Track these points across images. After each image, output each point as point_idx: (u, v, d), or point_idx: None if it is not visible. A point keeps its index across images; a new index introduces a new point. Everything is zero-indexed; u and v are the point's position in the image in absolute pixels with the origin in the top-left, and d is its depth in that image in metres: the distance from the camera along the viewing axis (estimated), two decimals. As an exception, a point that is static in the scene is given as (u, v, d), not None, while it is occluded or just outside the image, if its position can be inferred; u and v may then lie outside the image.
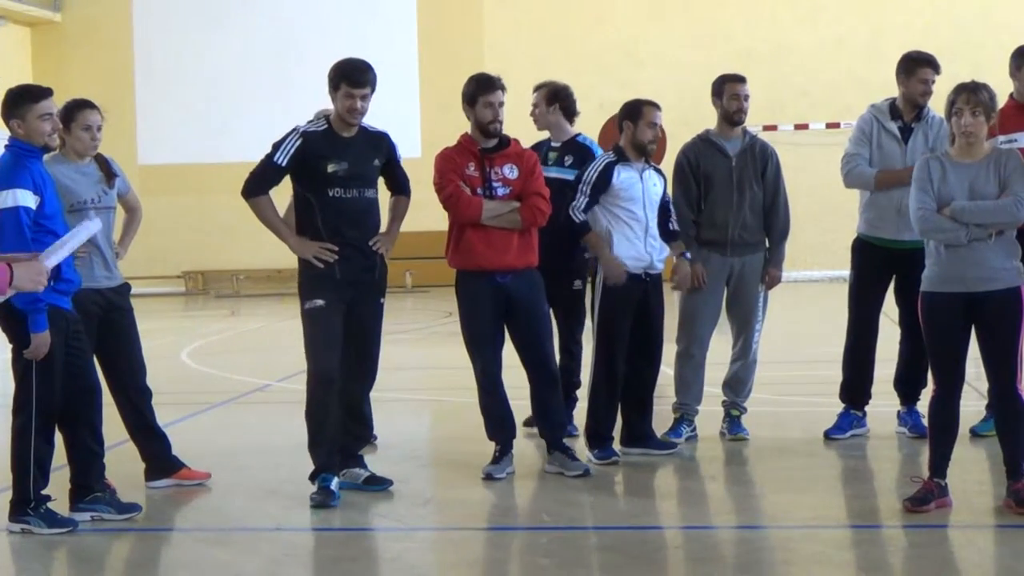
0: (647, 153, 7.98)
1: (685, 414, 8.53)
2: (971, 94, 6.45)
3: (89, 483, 6.85)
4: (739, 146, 8.44)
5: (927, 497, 6.51)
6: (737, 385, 8.57)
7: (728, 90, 8.43)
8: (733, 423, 8.57)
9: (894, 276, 8.23)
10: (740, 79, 8.48)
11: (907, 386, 8.33)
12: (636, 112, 7.99)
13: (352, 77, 7.09)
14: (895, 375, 8.37)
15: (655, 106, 8.03)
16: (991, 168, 6.48)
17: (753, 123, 22.25)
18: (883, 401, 8.46)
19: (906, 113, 8.17)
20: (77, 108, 7.22)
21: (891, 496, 7.07)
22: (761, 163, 8.42)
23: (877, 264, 8.19)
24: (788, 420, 9.28)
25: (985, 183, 6.46)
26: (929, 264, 6.58)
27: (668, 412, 8.61)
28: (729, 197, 8.35)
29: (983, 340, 6.53)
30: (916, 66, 8.17)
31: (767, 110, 23.03)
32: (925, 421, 7.81)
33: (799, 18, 25.58)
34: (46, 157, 6.94)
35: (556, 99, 8.71)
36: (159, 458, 7.60)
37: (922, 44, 29.18)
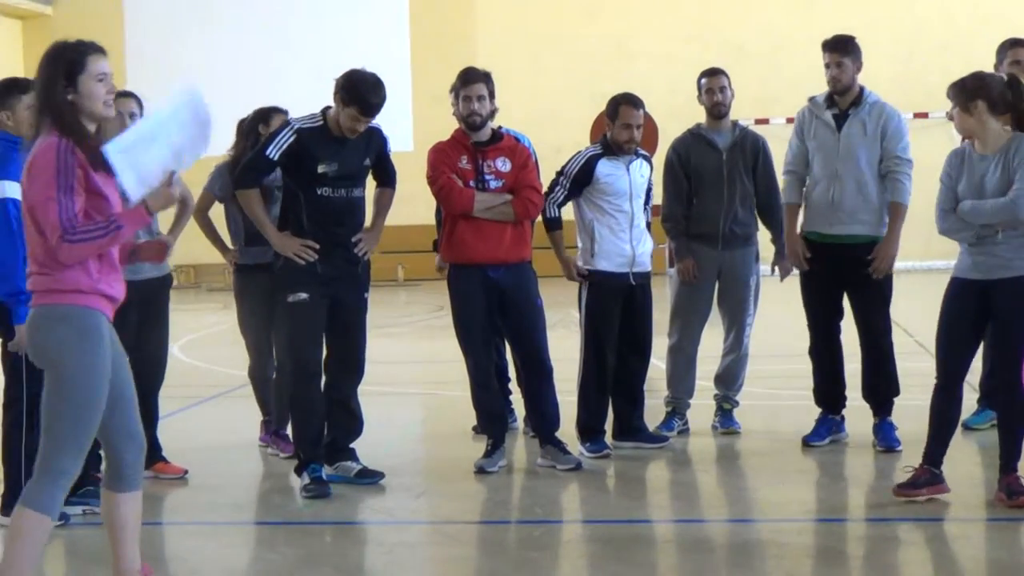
0: (624, 152, 7.98)
1: (677, 408, 8.53)
2: (950, 90, 6.49)
3: (81, 476, 6.82)
4: (729, 139, 8.44)
5: (917, 482, 6.53)
6: (729, 379, 8.57)
7: (704, 85, 8.46)
8: (725, 416, 8.58)
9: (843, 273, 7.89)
10: (713, 72, 8.48)
11: (876, 396, 7.95)
12: (614, 112, 7.99)
13: (366, 107, 6.98)
14: (862, 383, 8.02)
15: (633, 105, 7.94)
16: (1001, 160, 6.42)
17: (745, 116, 22.24)
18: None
19: (840, 102, 7.92)
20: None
21: (883, 490, 7.07)
22: (752, 156, 8.41)
23: (818, 259, 7.89)
24: (780, 414, 9.27)
25: (992, 177, 6.43)
26: (959, 252, 6.61)
27: (660, 406, 8.61)
28: (720, 191, 8.34)
29: (992, 329, 6.54)
30: (823, 51, 7.93)
31: (760, 104, 23.03)
32: (898, 434, 7.82)
33: (791, 12, 25.55)
34: None
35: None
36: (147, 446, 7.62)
37: (913, 37, 29.19)
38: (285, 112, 8.04)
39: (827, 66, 7.87)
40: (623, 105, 7.96)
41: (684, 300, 8.48)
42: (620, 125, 7.94)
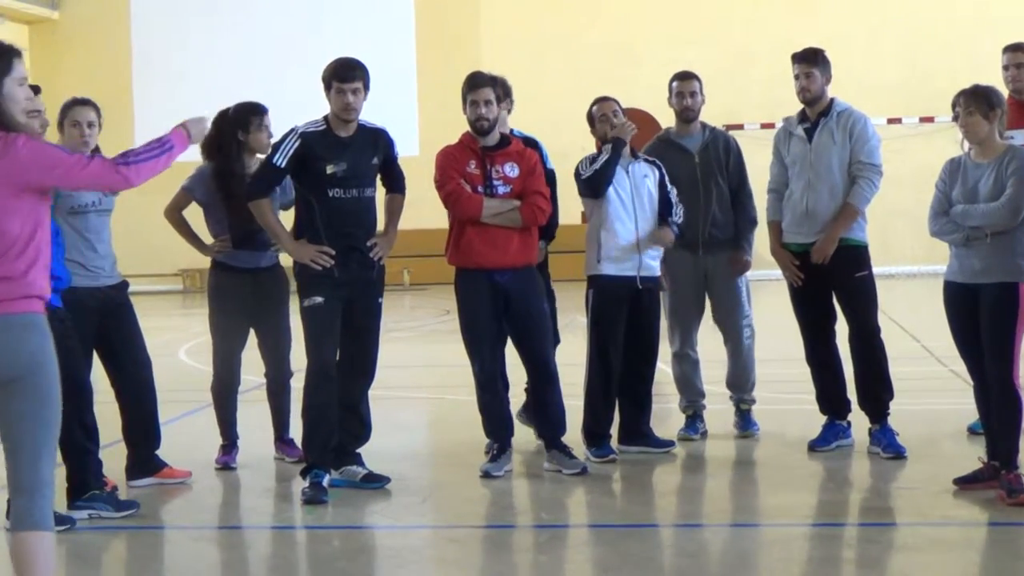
0: (617, 137, 7.98)
1: (696, 410, 8.54)
2: (966, 96, 6.73)
3: (86, 480, 6.84)
4: (700, 142, 8.43)
5: (980, 476, 6.77)
6: (739, 381, 8.54)
7: (675, 88, 8.49)
8: (743, 419, 8.55)
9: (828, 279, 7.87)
10: (684, 76, 8.48)
11: (871, 402, 7.90)
12: (590, 116, 8.12)
13: (341, 74, 7.12)
14: (856, 388, 7.97)
15: (603, 99, 8.10)
16: (996, 169, 6.67)
17: (751, 120, 22.29)
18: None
19: (810, 114, 7.96)
20: (69, 106, 7.25)
21: (891, 494, 7.08)
22: (725, 156, 8.40)
23: (802, 268, 7.86)
24: (786, 419, 9.26)
25: (985, 184, 6.68)
26: (949, 255, 6.85)
27: (667, 411, 8.60)
28: (696, 195, 8.31)
29: (981, 331, 6.65)
30: (793, 62, 8.00)
31: (765, 108, 23.01)
32: (899, 438, 7.80)
33: (797, 16, 25.55)
34: None
35: (507, 94, 8.27)
36: (144, 458, 7.56)
37: (919, 41, 29.09)
38: (264, 111, 7.99)
39: (796, 77, 7.96)
40: (595, 104, 8.11)
41: (674, 308, 8.47)
42: (599, 122, 8.02)
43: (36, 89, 6.61)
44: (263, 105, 8.03)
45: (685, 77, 8.47)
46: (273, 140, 7.74)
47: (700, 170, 8.35)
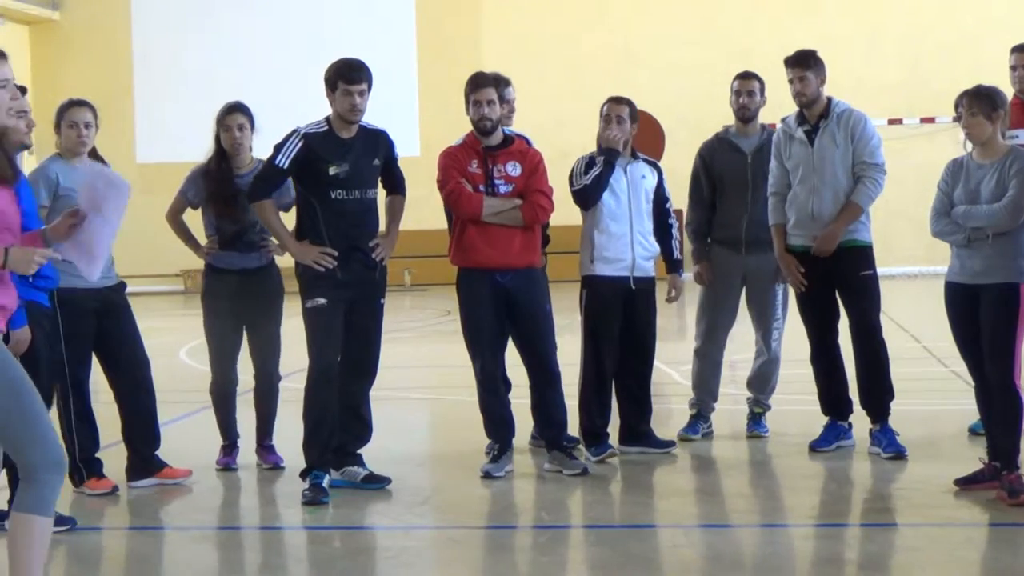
0: (609, 148, 7.97)
1: (702, 411, 8.54)
2: (969, 96, 6.75)
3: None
4: (755, 143, 8.41)
5: (981, 476, 6.76)
6: (759, 383, 8.54)
7: (734, 87, 8.47)
8: (754, 420, 8.55)
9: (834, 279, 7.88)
10: (744, 76, 8.48)
11: (872, 402, 7.90)
12: (601, 111, 8.07)
13: (348, 75, 7.10)
14: (858, 388, 7.97)
15: (613, 100, 8.04)
16: (998, 169, 6.68)
17: (752, 122, 22.22)
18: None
19: (809, 116, 7.91)
20: (66, 107, 7.27)
21: (892, 494, 7.07)
22: None
23: (806, 269, 7.85)
24: (789, 418, 9.25)
25: (987, 184, 6.69)
26: (951, 255, 6.86)
27: (666, 411, 8.59)
28: (743, 195, 8.31)
29: (982, 332, 6.66)
30: (786, 67, 7.94)
31: (766, 108, 22.97)
32: (900, 439, 7.80)
33: (798, 17, 25.53)
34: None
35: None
36: (144, 458, 7.55)
37: (921, 43, 28.98)
38: (244, 109, 7.96)
39: (791, 81, 7.91)
40: (605, 104, 8.06)
41: (708, 304, 8.48)
42: (602, 119, 8.00)
43: (22, 90, 6.62)
44: (235, 104, 7.97)
45: (745, 76, 8.46)
46: (240, 137, 7.77)
47: (751, 171, 8.32)
